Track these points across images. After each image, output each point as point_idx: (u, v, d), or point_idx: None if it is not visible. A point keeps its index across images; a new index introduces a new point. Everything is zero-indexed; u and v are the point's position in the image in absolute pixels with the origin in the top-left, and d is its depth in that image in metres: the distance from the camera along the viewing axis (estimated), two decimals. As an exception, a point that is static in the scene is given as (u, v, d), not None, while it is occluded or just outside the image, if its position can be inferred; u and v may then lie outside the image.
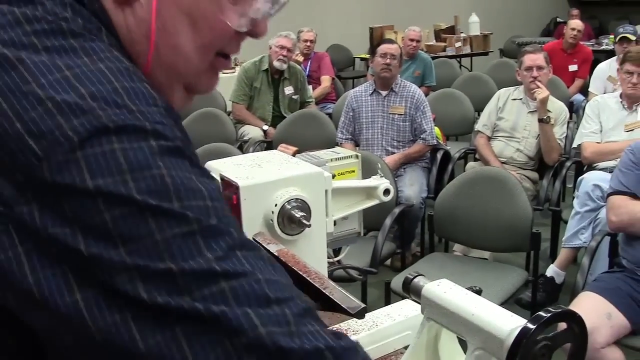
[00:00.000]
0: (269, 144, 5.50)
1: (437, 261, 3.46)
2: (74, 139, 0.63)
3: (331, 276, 1.69)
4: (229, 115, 5.88)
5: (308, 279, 1.28)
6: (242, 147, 5.47)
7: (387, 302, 3.26)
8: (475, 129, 4.89)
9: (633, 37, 6.32)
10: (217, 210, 0.68)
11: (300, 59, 7.10)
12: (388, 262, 4.09)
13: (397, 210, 3.60)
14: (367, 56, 9.43)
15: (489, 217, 3.35)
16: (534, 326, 0.93)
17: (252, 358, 0.64)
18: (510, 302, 3.21)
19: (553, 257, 4.23)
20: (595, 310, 2.64)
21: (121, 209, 0.63)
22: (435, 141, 4.70)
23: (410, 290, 1.20)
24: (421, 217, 4.34)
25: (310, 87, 6.50)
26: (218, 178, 1.52)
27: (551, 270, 3.89)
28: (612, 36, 9.40)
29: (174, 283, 0.64)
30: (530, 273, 3.40)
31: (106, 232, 0.63)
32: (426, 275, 1.22)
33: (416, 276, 1.20)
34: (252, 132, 5.73)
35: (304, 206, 1.47)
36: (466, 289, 1.14)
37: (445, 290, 1.13)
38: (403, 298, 2.77)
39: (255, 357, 0.64)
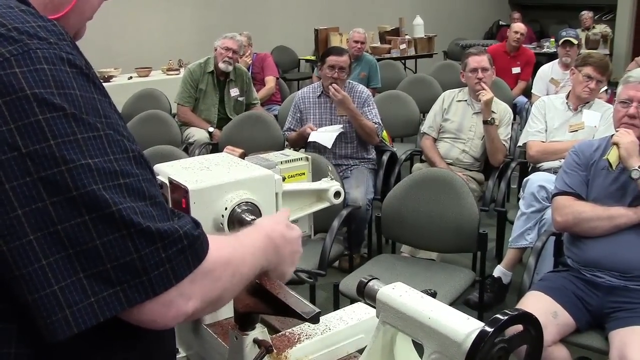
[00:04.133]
0: (214, 146, 5.44)
1: (385, 263, 3.46)
2: (11, 59, 0.84)
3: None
4: (174, 117, 5.80)
5: (261, 283, 1.26)
6: (188, 149, 5.39)
7: (336, 304, 3.25)
8: (421, 131, 4.92)
9: (575, 41, 6.45)
10: (111, 124, 0.91)
11: (249, 61, 7.05)
12: (336, 263, 4.09)
13: (344, 212, 3.59)
14: (313, 58, 9.44)
15: (436, 218, 3.37)
16: (492, 329, 0.93)
17: (140, 240, 0.87)
18: (459, 303, 3.23)
19: (499, 257, 4.28)
20: (541, 309, 2.67)
21: (51, 113, 0.84)
22: (379, 139, 4.71)
23: (365, 294, 1.19)
24: (368, 219, 4.35)
25: (254, 88, 6.45)
26: (166, 181, 1.49)
27: (498, 271, 3.93)
28: (552, 39, 9.60)
29: (92, 175, 0.85)
30: (478, 273, 3.43)
31: (41, 130, 0.83)
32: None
33: (370, 280, 1.19)
34: (198, 134, 5.66)
35: (254, 209, 1.45)
36: (421, 292, 1.14)
37: (400, 293, 1.12)
38: (352, 300, 2.77)
39: (143, 240, 0.87)
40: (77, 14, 1.07)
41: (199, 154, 5.37)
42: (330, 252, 3.39)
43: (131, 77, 7.60)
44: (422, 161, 4.95)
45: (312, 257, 3.34)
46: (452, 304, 3.01)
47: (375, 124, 4.62)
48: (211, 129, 5.76)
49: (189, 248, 0.92)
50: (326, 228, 3.48)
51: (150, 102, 6.25)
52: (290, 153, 1.81)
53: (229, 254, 1.04)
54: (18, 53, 0.85)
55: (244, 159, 1.96)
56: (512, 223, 3.98)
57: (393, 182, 4.51)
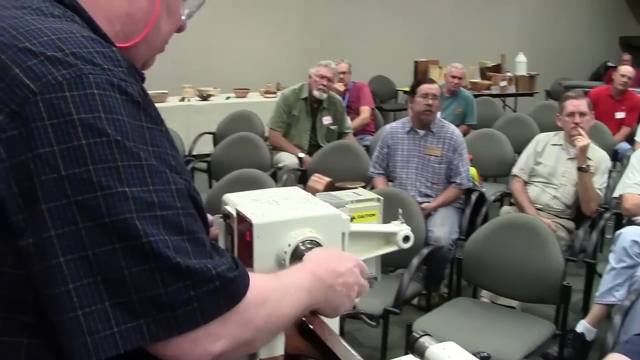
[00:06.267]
0: (303, 173, 5.46)
1: (462, 306, 3.36)
2: (63, 83, 0.86)
3: (346, 317, 1.64)
4: (265, 140, 5.87)
5: (311, 326, 1.23)
6: (276, 174, 5.43)
7: (408, 344, 3.17)
8: (512, 173, 4.79)
9: (687, 92, 6.15)
10: (158, 154, 0.91)
11: (341, 88, 7.07)
12: (415, 300, 4.01)
13: (425, 251, 3.53)
14: (410, 90, 9.38)
15: (519, 265, 3.26)
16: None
17: (169, 275, 0.86)
18: (536, 356, 3.10)
19: (585, 310, 4.09)
20: (622, 374, 2.53)
21: (95, 139, 0.85)
22: (470, 184, 4.61)
23: (415, 350, 1.15)
24: (451, 258, 4.25)
25: (348, 117, 6.45)
26: (234, 212, 1.48)
27: (582, 326, 3.75)
28: (662, 85, 9.21)
29: (127, 203, 0.85)
30: (559, 326, 3.29)
31: (82, 155, 0.84)
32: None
33: (422, 336, 1.14)
34: (288, 159, 5.71)
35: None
36: (473, 354, 1.08)
37: (450, 355, 1.07)
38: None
39: (172, 275, 0.86)
40: (146, 45, 1.12)
41: (286, 179, 5.41)
42: (408, 290, 3.33)
43: (229, 97, 7.75)
44: (511, 204, 4.81)
45: (389, 294, 3.29)
46: (527, 357, 2.90)
47: (458, 179, 4.54)
48: (301, 155, 5.79)
49: (222, 289, 0.90)
50: (405, 264, 3.42)
51: (244, 123, 6.36)
52: (362, 192, 1.78)
53: (266, 294, 1.01)
54: (71, 77, 0.87)
55: (331, 187, 1.94)
56: (601, 276, 3.81)
57: (479, 222, 4.40)
